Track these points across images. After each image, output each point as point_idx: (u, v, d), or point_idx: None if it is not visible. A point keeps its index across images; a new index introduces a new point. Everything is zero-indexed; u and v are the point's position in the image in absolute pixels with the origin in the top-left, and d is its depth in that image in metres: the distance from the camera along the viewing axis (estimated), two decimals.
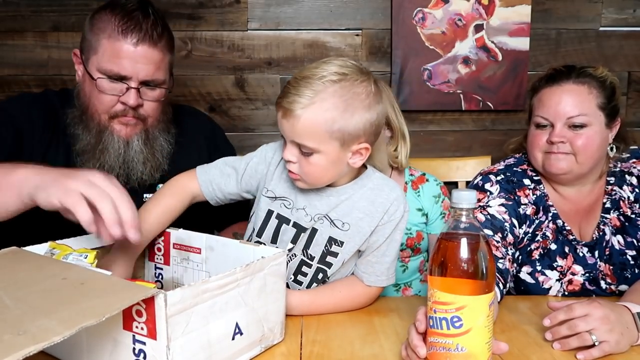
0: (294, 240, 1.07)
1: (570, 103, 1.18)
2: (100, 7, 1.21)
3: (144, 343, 0.73)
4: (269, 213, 1.09)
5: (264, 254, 0.91)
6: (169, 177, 1.29)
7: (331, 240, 1.06)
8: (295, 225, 1.07)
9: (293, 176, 1.02)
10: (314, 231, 1.06)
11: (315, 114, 0.93)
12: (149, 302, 0.70)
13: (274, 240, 1.09)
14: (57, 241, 0.97)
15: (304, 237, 1.07)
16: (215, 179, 1.12)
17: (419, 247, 1.48)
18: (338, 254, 1.07)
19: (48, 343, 0.59)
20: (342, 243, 1.06)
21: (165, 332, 0.70)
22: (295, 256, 1.08)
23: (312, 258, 1.08)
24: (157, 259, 1.12)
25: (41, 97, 1.31)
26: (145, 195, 1.29)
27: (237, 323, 0.84)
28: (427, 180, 1.55)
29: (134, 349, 0.74)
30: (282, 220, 1.08)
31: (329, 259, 1.07)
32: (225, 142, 1.53)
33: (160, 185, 1.29)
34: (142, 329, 0.72)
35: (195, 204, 1.20)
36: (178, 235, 1.09)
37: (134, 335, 0.73)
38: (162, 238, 1.11)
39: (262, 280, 0.87)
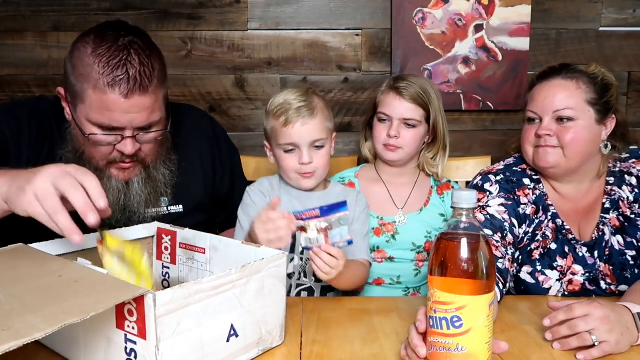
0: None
1: (558, 97, 1.20)
2: (78, 38, 1.10)
3: (134, 342, 0.73)
4: None
5: (264, 256, 0.91)
6: (171, 200, 1.28)
7: None
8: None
9: (309, 175, 1.25)
10: None
11: (321, 112, 1.25)
12: (140, 301, 0.70)
13: (292, 249, 1.24)
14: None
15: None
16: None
17: None
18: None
19: (29, 339, 0.59)
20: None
21: (154, 332, 0.70)
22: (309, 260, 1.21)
23: None
24: (165, 257, 1.13)
25: (34, 110, 1.24)
26: (146, 210, 1.24)
27: (232, 325, 0.83)
28: (452, 187, 1.55)
29: (125, 348, 0.74)
30: None
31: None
32: (228, 143, 1.50)
33: (164, 199, 1.27)
34: (133, 328, 0.73)
35: (196, 207, 1.31)
36: (184, 235, 1.10)
37: (125, 335, 0.74)
38: (169, 237, 1.12)
39: (260, 282, 0.87)
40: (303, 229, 0.96)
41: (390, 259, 1.47)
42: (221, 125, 1.55)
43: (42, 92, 1.78)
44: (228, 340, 0.83)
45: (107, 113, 1.07)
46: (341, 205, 0.97)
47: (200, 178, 1.36)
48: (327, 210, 0.96)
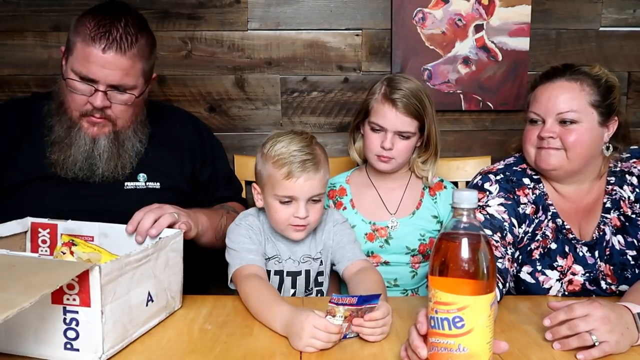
0: (294, 286, 1.24)
1: (561, 99, 1.19)
2: (88, 9, 1.28)
3: (76, 312, 0.84)
4: (267, 273, 1.22)
5: (161, 235, 1.09)
6: (149, 177, 1.38)
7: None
8: (289, 273, 1.24)
9: (301, 228, 1.19)
10: (307, 272, 1.25)
11: (324, 166, 1.20)
12: (83, 274, 0.82)
13: (279, 287, 1.25)
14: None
15: (301, 280, 1.25)
16: (252, 250, 1.20)
17: (430, 253, 1.48)
18: (323, 271, 1.28)
19: (19, 309, 0.67)
20: (322, 262, 1.28)
21: (99, 299, 0.84)
22: (296, 296, 1.25)
23: (311, 289, 1.27)
24: (42, 251, 1.19)
25: (27, 100, 1.42)
26: (126, 184, 1.36)
27: (149, 292, 0.99)
28: (445, 187, 1.53)
29: (64, 319, 0.85)
30: (280, 274, 1.24)
31: (319, 279, 1.28)
32: (211, 136, 1.59)
33: (142, 175, 1.36)
34: (74, 299, 0.84)
35: (174, 187, 1.39)
36: (67, 226, 1.17)
37: (64, 307, 0.84)
38: (48, 230, 1.17)
39: (166, 256, 1.04)
40: (332, 312, 0.91)
41: (386, 263, 1.47)
42: (205, 123, 1.63)
43: (41, 91, 1.78)
44: (147, 305, 0.99)
45: (86, 64, 1.22)
46: (376, 297, 0.94)
47: (178, 162, 1.45)
48: (363, 300, 0.92)
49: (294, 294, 1.25)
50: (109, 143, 1.30)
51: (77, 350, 0.85)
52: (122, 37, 1.23)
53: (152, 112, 1.43)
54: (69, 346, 0.85)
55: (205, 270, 1.54)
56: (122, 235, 1.13)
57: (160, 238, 1.06)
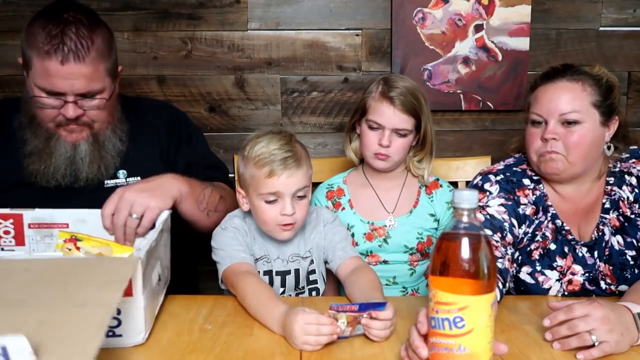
0: (283, 284, 1.24)
1: (563, 100, 1.19)
2: (35, 15, 1.23)
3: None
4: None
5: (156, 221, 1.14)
6: (129, 173, 1.36)
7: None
8: (278, 273, 1.24)
9: (289, 227, 1.18)
10: (296, 271, 1.25)
11: (305, 162, 1.19)
12: None
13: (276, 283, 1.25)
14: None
15: (290, 279, 1.24)
16: (241, 250, 1.20)
17: (428, 251, 1.48)
18: (315, 270, 1.27)
19: (115, 304, 0.65)
20: (312, 261, 1.27)
21: (141, 286, 0.89)
22: (291, 296, 1.25)
23: (302, 288, 1.26)
24: (5, 242, 1.12)
25: None
26: (106, 182, 1.34)
27: (158, 273, 1.04)
28: (440, 185, 1.54)
29: None
30: (269, 274, 1.24)
31: (311, 278, 1.27)
32: (188, 126, 1.55)
33: (122, 172, 1.35)
34: None
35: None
36: (35, 215, 1.13)
37: None
38: (11, 221, 1.11)
39: (161, 236, 1.08)
40: (334, 318, 0.93)
41: (385, 262, 1.48)
42: (182, 111, 1.60)
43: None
44: (158, 284, 1.04)
45: (48, 78, 1.18)
46: (380, 305, 0.94)
47: (157, 152, 1.43)
48: (365, 307, 0.93)
49: (283, 293, 1.24)
50: (89, 146, 1.29)
51: (120, 335, 0.91)
52: (77, 44, 1.18)
53: (130, 109, 1.41)
54: (110, 334, 0.90)
55: (199, 269, 1.53)
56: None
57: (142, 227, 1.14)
